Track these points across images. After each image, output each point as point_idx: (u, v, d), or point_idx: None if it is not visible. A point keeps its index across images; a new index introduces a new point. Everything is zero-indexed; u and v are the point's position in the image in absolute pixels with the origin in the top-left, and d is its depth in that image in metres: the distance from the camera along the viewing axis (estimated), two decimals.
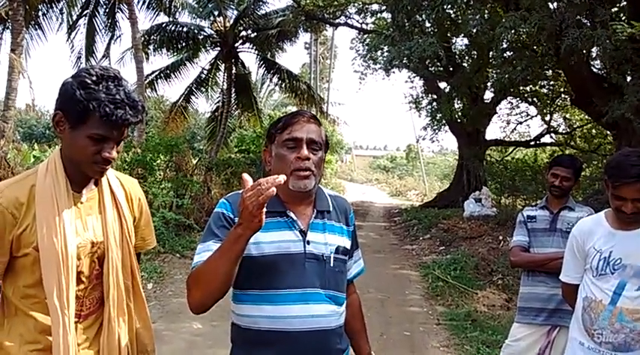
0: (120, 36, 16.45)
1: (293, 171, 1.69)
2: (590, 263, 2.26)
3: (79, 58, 15.77)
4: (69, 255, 1.60)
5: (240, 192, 1.82)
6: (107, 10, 15.57)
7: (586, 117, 14.54)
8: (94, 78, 1.57)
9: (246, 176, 1.51)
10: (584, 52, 9.27)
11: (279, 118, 1.82)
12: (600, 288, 2.21)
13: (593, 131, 15.56)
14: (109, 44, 16.02)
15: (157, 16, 16.09)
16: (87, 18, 15.51)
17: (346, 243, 1.84)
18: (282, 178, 1.43)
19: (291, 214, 1.74)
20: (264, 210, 1.45)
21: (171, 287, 6.78)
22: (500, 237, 9.65)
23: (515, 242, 3.34)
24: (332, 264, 1.75)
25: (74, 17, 15.41)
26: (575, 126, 16.67)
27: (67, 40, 15.60)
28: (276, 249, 1.68)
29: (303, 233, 1.73)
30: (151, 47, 16.34)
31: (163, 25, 16.23)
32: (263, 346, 1.68)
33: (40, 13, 14.29)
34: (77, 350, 1.63)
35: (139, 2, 15.23)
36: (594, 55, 10.82)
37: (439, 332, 5.64)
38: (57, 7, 14.82)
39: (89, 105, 1.54)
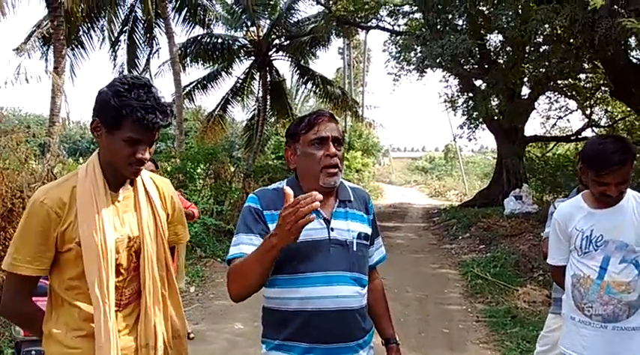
0: (158, 49, 16.91)
1: (323, 168, 1.82)
2: (574, 243, 2.37)
3: (121, 72, 16.28)
4: (108, 248, 1.74)
5: (269, 188, 1.95)
6: (145, 26, 16.05)
7: (628, 108, 14.16)
8: (127, 86, 1.70)
9: (288, 189, 1.61)
10: (621, 42, 9.08)
11: (300, 118, 1.93)
12: (587, 265, 2.33)
13: (636, 123, 15.14)
14: (148, 58, 16.50)
15: (192, 28, 16.47)
16: (127, 34, 16.02)
17: (367, 229, 1.96)
18: (319, 198, 1.54)
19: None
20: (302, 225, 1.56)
21: (213, 290, 6.95)
22: (542, 234, 9.48)
23: (547, 233, 3.33)
24: (355, 249, 1.87)
25: (115, 34, 15.96)
26: (617, 118, 16.25)
27: (110, 56, 16.17)
28: (303, 237, 1.74)
29: (327, 221, 1.85)
30: (188, 59, 16.74)
31: (199, 37, 16.61)
32: (291, 325, 1.80)
33: (81, 32, 14.86)
34: (118, 336, 1.76)
35: (175, 17, 15.65)
36: (633, 44, 10.57)
37: (478, 328, 5.63)
38: (97, 26, 15.36)
39: (122, 111, 1.67)
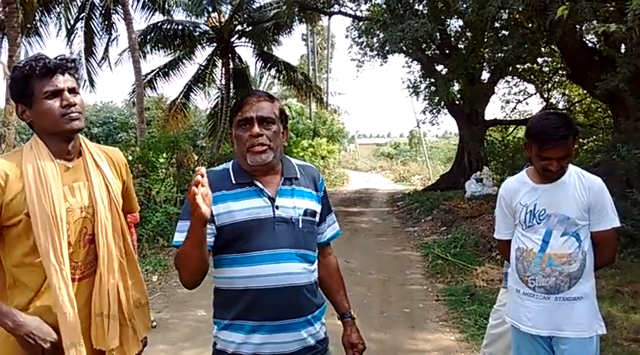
0: (117, 37, 16.54)
1: (248, 148, 1.85)
2: (519, 217, 2.46)
3: (78, 60, 15.83)
4: (58, 216, 1.74)
5: (217, 168, 1.98)
6: (103, 12, 15.65)
7: (584, 91, 14.53)
8: (21, 64, 1.82)
9: (201, 170, 1.64)
10: (575, 26, 9.29)
11: (235, 102, 1.99)
12: (530, 238, 2.41)
13: (592, 105, 15.54)
14: (106, 46, 16.14)
15: (152, 15, 16.21)
16: (84, 21, 15.59)
17: (315, 206, 1.98)
18: (201, 172, 1.61)
19: (258, 183, 1.88)
20: (208, 198, 1.63)
21: (176, 278, 6.89)
22: (495, 212, 9.70)
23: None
24: (301, 226, 1.89)
25: (71, 21, 15.52)
26: (574, 101, 16.65)
27: (67, 44, 15.73)
28: (247, 216, 1.83)
29: (272, 199, 1.87)
30: (148, 46, 16.47)
31: (159, 24, 16.34)
32: (239, 304, 1.83)
33: (37, 19, 14.41)
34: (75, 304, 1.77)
35: (133, 3, 15.34)
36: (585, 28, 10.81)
37: (438, 307, 5.77)
38: (54, 13, 14.93)
39: (26, 74, 1.77)
